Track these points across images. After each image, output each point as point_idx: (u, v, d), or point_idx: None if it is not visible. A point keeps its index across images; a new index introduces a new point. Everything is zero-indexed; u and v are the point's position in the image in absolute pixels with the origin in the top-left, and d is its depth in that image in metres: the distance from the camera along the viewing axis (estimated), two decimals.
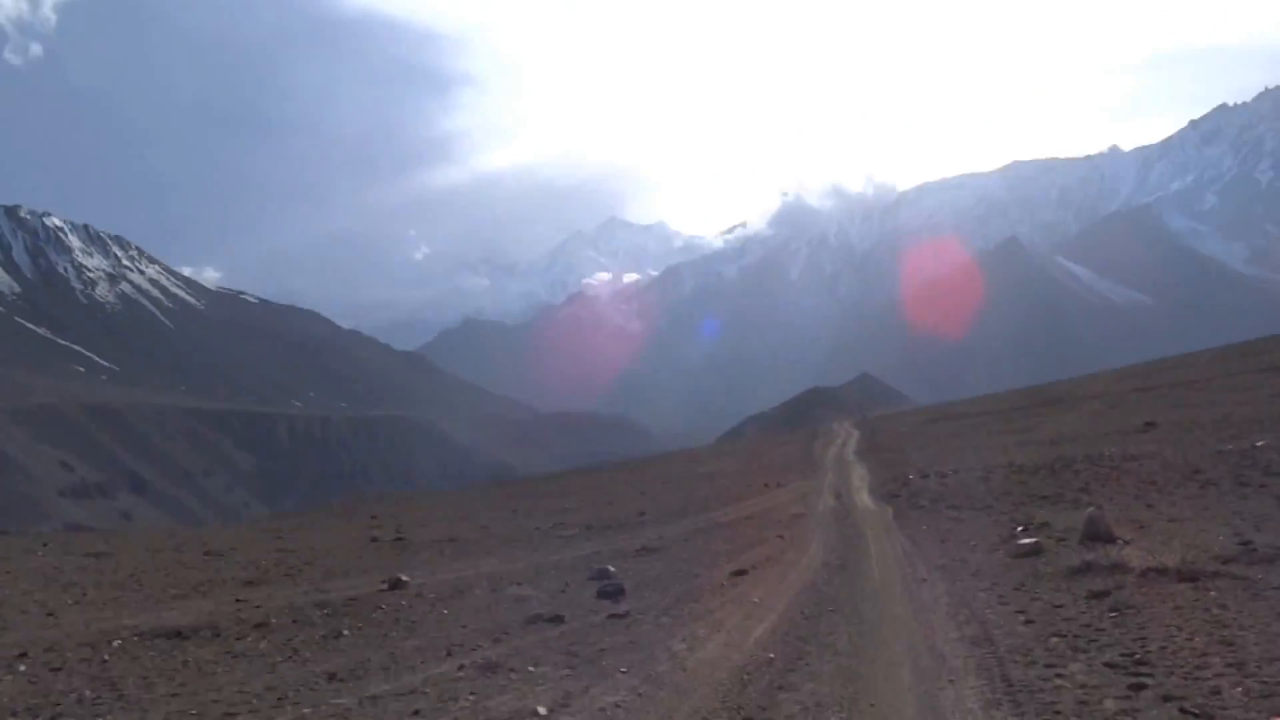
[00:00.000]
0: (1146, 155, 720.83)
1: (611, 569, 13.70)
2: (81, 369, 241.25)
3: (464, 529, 23.69)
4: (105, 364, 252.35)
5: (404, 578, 13.73)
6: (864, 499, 23.15)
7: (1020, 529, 13.96)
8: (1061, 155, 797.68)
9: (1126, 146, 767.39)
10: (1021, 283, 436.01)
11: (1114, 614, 8.24)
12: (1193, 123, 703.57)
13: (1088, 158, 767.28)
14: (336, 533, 26.24)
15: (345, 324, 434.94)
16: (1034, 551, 11.84)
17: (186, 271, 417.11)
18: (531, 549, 18.17)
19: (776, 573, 13.08)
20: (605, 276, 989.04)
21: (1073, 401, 47.82)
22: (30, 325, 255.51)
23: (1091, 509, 12.91)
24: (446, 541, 20.58)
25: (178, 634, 10.52)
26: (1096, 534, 11.77)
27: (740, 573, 13.05)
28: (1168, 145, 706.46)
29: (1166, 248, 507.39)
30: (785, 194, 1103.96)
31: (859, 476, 29.52)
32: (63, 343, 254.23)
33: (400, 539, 21.94)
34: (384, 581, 13.71)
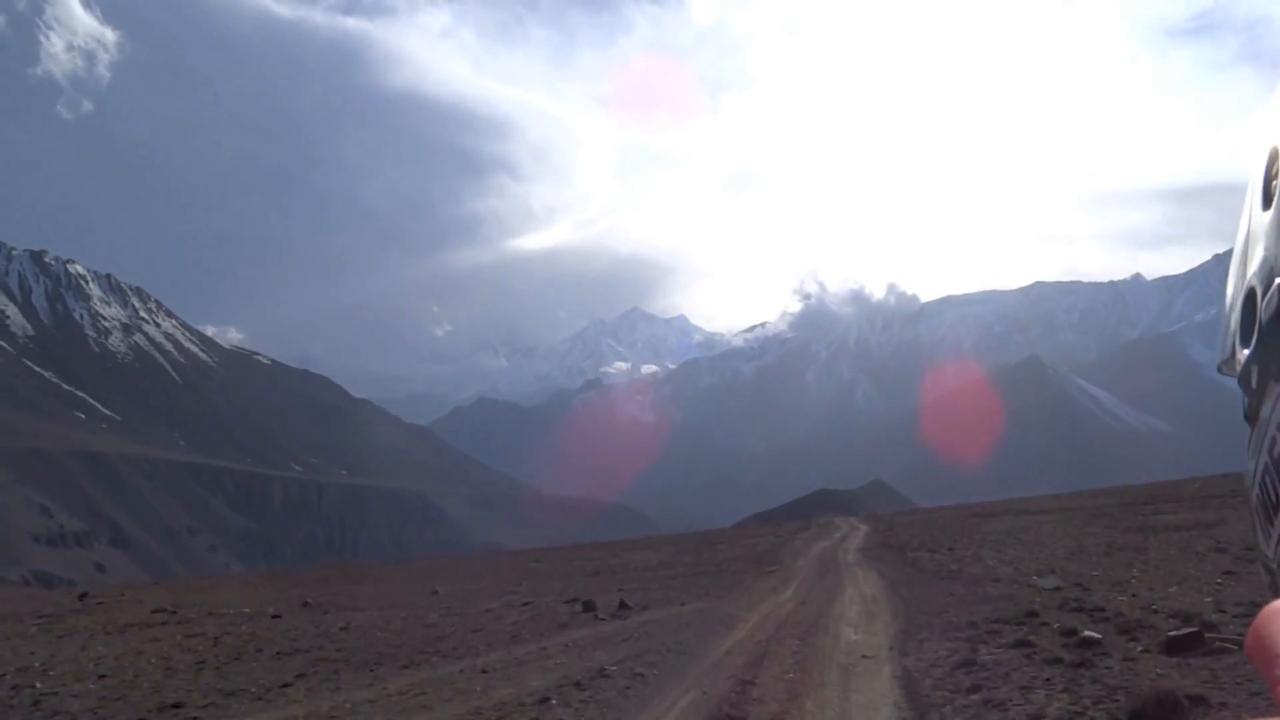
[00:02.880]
0: (1170, 285, 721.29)
1: None
2: (82, 416, 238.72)
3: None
4: (107, 412, 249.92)
5: None
6: None
7: None
8: (1084, 279, 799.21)
9: (1149, 275, 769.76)
10: (1041, 402, 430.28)
11: None
12: (1217, 256, 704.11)
13: (1110, 283, 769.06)
14: None
15: (361, 393, 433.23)
16: None
17: (210, 330, 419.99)
18: None
19: None
20: (623, 366, 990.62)
21: (1190, 500, 35.30)
22: (38, 368, 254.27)
23: None
24: None
25: None
26: None
27: None
28: (1191, 276, 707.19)
29: (1188, 377, 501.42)
30: (807, 297, 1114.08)
31: (857, 600, 15.93)
32: (67, 388, 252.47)
33: None
34: None
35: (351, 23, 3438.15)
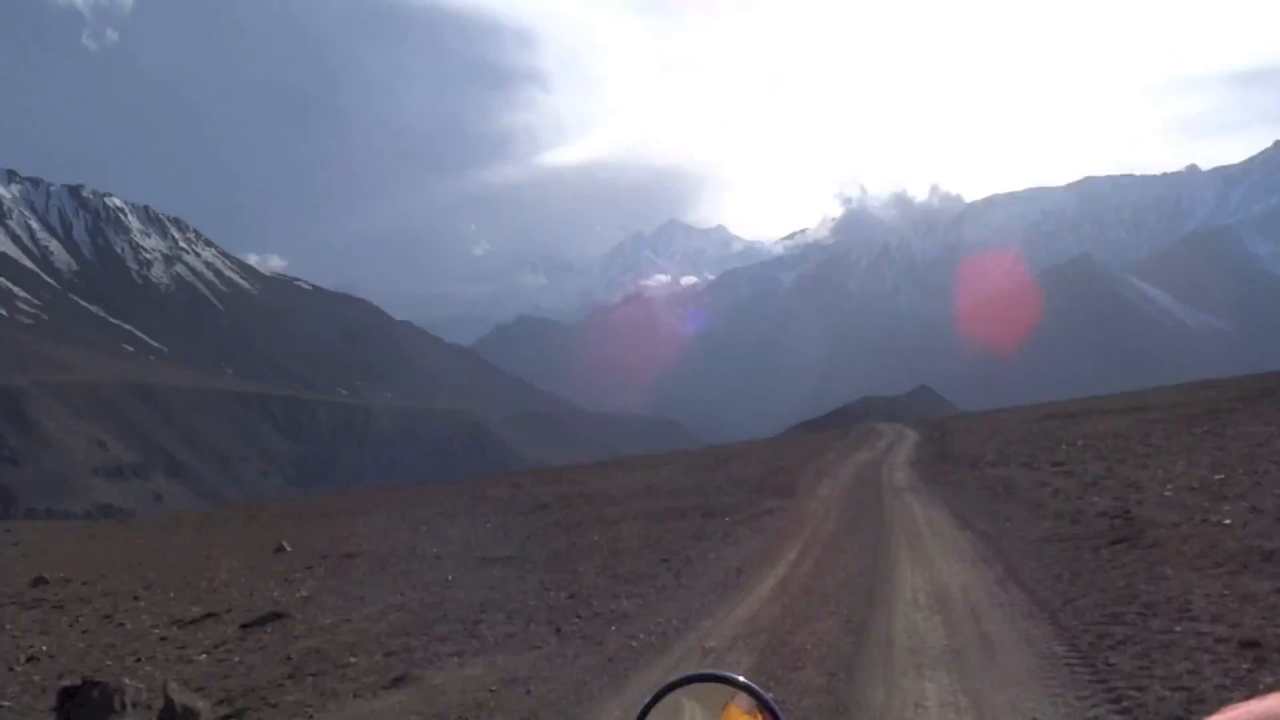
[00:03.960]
0: (1227, 175, 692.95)
1: None
2: (131, 348, 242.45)
3: None
4: (154, 344, 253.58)
5: None
6: None
7: None
8: (1136, 173, 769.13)
9: (1205, 166, 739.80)
10: (1092, 302, 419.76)
11: None
12: (1278, 143, 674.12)
13: (1164, 175, 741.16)
14: None
15: (403, 316, 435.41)
16: None
17: (253, 259, 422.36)
18: None
19: None
20: (663, 278, 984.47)
21: None
22: (84, 303, 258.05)
23: None
24: None
25: None
26: None
27: None
28: (1250, 166, 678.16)
29: (1247, 272, 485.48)
30: (848, 201, 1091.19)
31: (937, 636, 7.60)
32: (114, 321, 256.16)
33: None
34: None
35: None
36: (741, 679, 1.28)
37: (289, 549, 20.08)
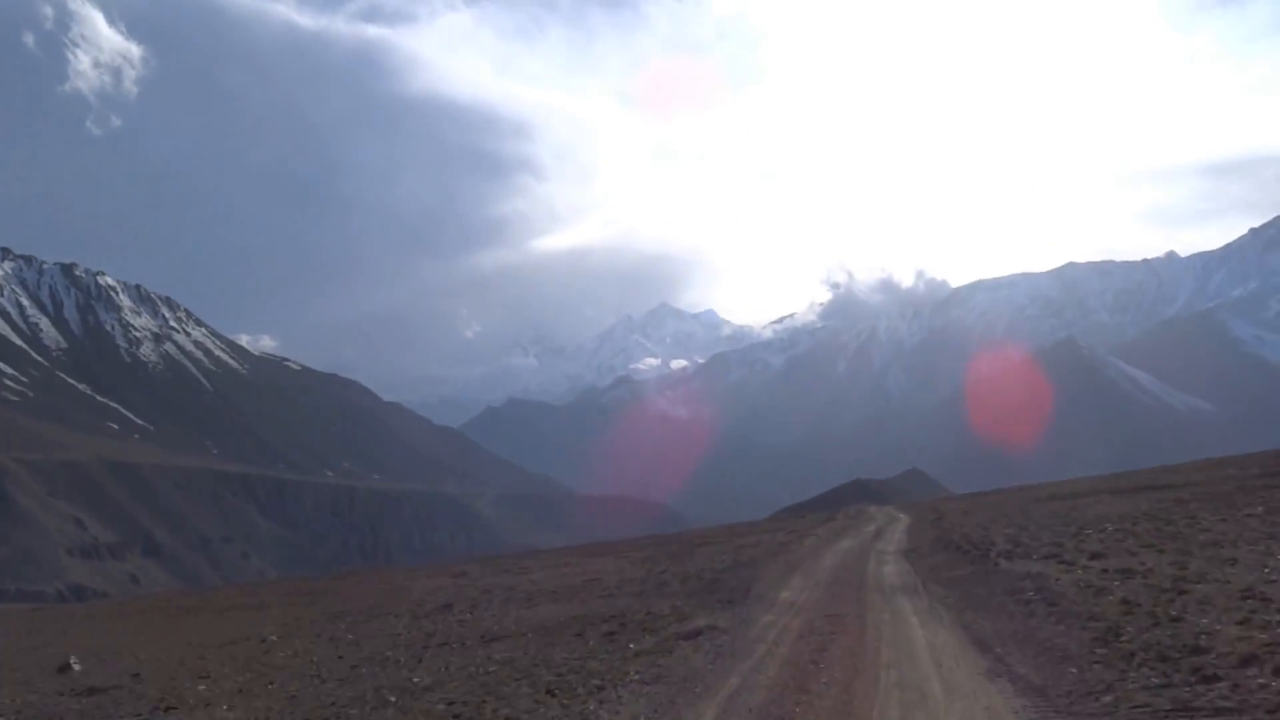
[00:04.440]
0: (1206, 261, 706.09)
1: None
2: (115, 426, 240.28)
3: None
4: (140, 422, 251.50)
5: None
6: None
7: None
8: (1117, 258, 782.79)
9: (1184, 252, 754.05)
10: (1078, 384, 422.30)
11: None
12: (1254, 230, 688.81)
13: (1145, 261, 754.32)
14: None
15: (392, 397, 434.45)
16: None
17: (244, 339, 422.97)
18: None
19: None
20: (653, 362, 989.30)
21: None
22: (71, 380, 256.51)
23: None
24: None
25: None
26: None
27: None
28: (1228, 252, 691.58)
29: (1230, 354, 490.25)
30: (836, 287, 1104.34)
31: None
32: (100, 399, 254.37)
33: None
34: None
35: (373, 30, 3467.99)
36: None
37: (76, 668, 17.05)
